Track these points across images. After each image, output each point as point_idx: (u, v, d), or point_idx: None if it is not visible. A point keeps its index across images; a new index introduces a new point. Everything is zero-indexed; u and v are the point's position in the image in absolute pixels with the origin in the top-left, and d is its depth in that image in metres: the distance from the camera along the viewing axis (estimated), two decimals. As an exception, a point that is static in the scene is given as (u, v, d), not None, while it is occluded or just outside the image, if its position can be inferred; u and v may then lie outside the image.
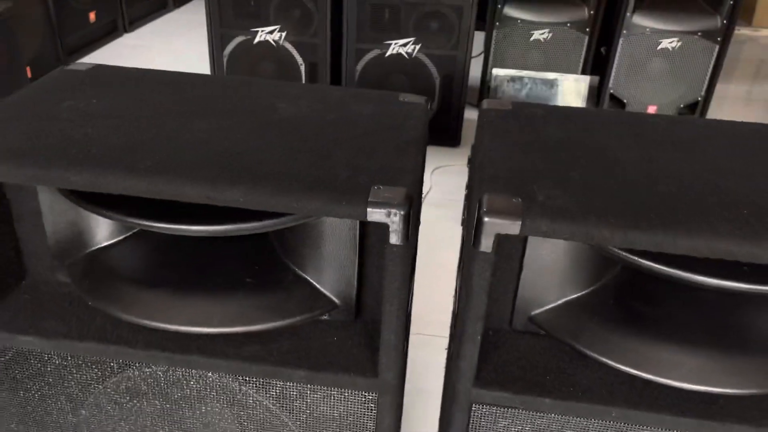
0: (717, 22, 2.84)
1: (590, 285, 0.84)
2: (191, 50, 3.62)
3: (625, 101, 3.00)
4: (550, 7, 2.84)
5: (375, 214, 0.68)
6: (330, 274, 0.84)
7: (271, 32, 2.53)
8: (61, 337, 0.82)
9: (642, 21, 2.85)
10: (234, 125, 0.83)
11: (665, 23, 2.85)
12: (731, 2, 2.79)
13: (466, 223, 0.93)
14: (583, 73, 2.89)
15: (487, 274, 0.71)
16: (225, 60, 2.61)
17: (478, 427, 0.81)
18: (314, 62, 2.57)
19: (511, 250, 0.82)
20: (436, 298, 1.68)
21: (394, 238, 0.69)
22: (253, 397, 0.83)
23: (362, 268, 0.84)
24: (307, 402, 0.82)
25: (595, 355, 0.79)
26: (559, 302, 0.84)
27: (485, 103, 0.97)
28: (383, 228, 0.70)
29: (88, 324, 0.84)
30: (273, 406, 0.84)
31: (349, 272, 0.84)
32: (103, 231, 0.88)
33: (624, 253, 0.71)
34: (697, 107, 2.99)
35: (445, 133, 2.65)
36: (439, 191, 2.33)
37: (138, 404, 0.85)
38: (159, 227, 0.73)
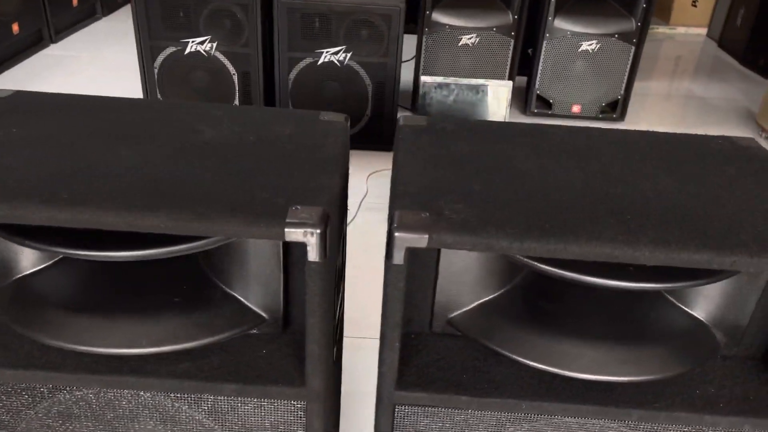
0: (632, 24, 3.00)
1: (501, 287, 0.91)
2: (123, 60, 3.56)
3: (551, 101, 3.14)
4: (477, 12, 2.94)
5: (292, 234, 0.72)
6: (256, 289, 0.88)
7: (201, 43, 2.53)
8: (-10, 365, 0.83)
9: (563, 25, 2.99)
10: (157, 150, 0.86)
11: (584, 26, 2.99)
12: (644, 5, 2.95)
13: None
14: (511, 74, 3.01)
15: (401, 284, 0.76)
16: (156, 71, 2.60)
17: (402, 427, 0.87)
18: (246, 71, 2.58)
19: (427, 258, 0.88)
20: (373, 302, 1.73)
21: (312, 256, 0.73)
22: (186, 412, 0.86)
23: (287, 281, 0.88)
24: (238, 414, 0.86)
25: (506, 353, 0.85)
26: (474, 305, 0.91)
27: (401, 120, 1.03)
28: (303, 245, 0.74)
29: (15, 351, 0.85)
30: (206, 419, 0.87)
31: (274, 287, 0.88)
32: (26, 259, 0.89)
33: (525, 259, 0.78)
34: (617, 105, 3.16)
35: (379, 138, 2.71)
36: (374, 195, 2.38)
37: (71, 427, 0.87)
38: (78, 254, 0.75)
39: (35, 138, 0.86)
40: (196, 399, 0.85)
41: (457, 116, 2.16)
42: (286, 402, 0.85)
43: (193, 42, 2.52)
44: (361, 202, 2.33)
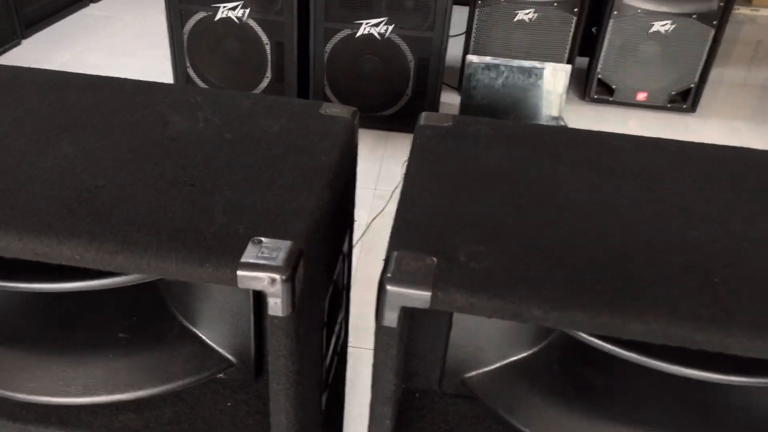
0: (714, 4, 2.66)
1: (533, 346, 0.71)
2: (162, 23, 3.42)
3: (613, 87, 2.84)
4: (536, -15, 2.66)
5: (247, 281, 0.53)
6: (222, 326, 0.70)
7: (233, 8, 2.34)
8: None
9: (634, 2, 2.68)
10: (107, 146, 0.68)
11: (659, 4, 2.67)
12: (729, -17, 2.61)
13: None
14: (571, 55, 2.73)
15: (393, 351, 0.57)
16: (185, 38, 2.43)
17: None
18: (280, 42, 2.39)
19: (440, 302, 0.68)
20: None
21: (275, 309, 0.55)
22: (130, 471, 0.70)
23: (261, 318, 0.70)
24: (190, 482, 0.69)
25: (534, 436, 0.65)
26: (497, 365, 0.71)
27: (422, 118, 0.82)
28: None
29: (-71, 384, 0.70)
30: (155, 480, 0.70)
31: (244, 325, 0.70)
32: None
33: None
34: (689, 94, 2.84)
35: (421, 120, 2.49)
36: (409, 185, 2.18)
37: (-7, 478, 0.72)
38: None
39: (-40, 124, 0.70)
40: (138, 460, 0.69)
41: (506, 102, 1.93)
42: (247, 475, 0.68)
43: (224, 7, 2.34)
44: (393, 192, 2.14)
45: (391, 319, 0.54)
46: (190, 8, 2.37)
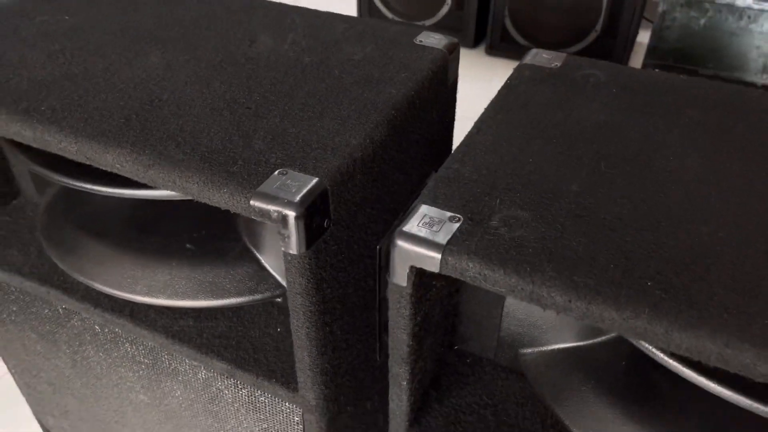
0: None
1: (599, 335, 0.61)
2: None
3: None
4: None
5: (259, 211, 0.51)
6: (280, 252, 0.70)
7: (419, -70, 2.26)
8: (13, 270, 0.79)
9: None
10: (188, 62, 0.69)
11: None
12: None
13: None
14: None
15: (406, 312, 0.52)
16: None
17: (414, 478, 0.65)
18: (464, -33, 2.27)
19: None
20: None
21: (286, 244, 0.52)
22: (184, 374, 0.75)
23: (317, 253, 0.69)
24: (234, 397, 0.72)
25: (577, 435, 0.57)
26: (553, 347, 0.62)
27: (530, 55, 0.72)
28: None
29: (45, 262, 0.80)
30: (201, 390, 0.75)
31: (299, 255, 0.69)
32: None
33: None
34: None
35: (609, 60, 2.24)
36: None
37: (85, 353, 0.82)
38: (60, 181, 0.63)
39: (68, 29, 0.75)
40: (191, 366, 0.73)
41: (706, 47, 1.64)
42: (280, 402, 0.68)
43: (411, -72, 2.27)
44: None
45: (401, 276, 0.49)
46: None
